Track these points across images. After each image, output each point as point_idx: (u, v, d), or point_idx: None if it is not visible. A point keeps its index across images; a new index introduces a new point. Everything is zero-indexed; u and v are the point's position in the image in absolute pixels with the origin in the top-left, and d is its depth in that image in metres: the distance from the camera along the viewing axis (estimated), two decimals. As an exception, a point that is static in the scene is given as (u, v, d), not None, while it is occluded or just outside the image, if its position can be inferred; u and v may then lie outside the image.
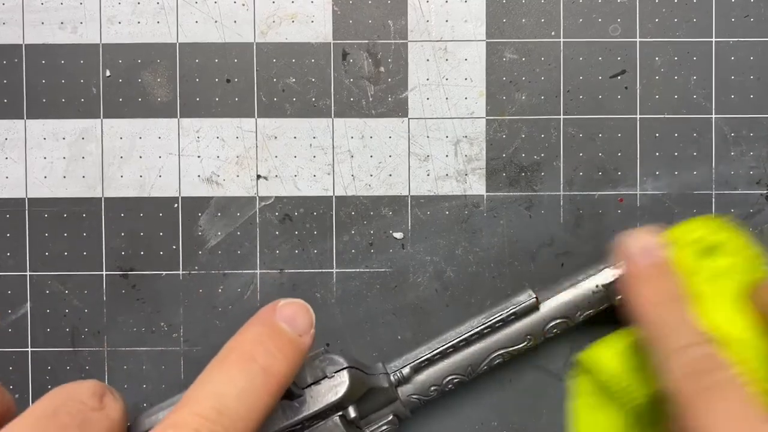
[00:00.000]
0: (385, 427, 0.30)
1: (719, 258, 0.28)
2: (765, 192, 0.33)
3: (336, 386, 0.27)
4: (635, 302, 0.27)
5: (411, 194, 0.33)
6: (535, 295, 0.30)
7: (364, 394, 0.29)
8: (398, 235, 0.33)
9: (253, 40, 0.33)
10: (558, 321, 0.30)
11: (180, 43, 0.33)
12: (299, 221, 0.33)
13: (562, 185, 0.33)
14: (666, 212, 0.33)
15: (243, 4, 0.33)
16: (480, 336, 0.30)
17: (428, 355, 0.30)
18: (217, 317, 0.33)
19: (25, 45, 0.33)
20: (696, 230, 0.29)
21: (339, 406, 0.27)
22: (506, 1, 0.33)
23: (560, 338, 0.33)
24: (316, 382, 0.27)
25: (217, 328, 0.33)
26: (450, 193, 0.33)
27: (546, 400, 0.33)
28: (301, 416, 0.26)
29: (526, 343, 0.30)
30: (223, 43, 0.33)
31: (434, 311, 0.33)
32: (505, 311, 0.30)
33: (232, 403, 0.22)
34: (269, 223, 0.33)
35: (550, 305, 0.30)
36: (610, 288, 0.30)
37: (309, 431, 0.27)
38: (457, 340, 0.30)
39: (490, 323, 0.30)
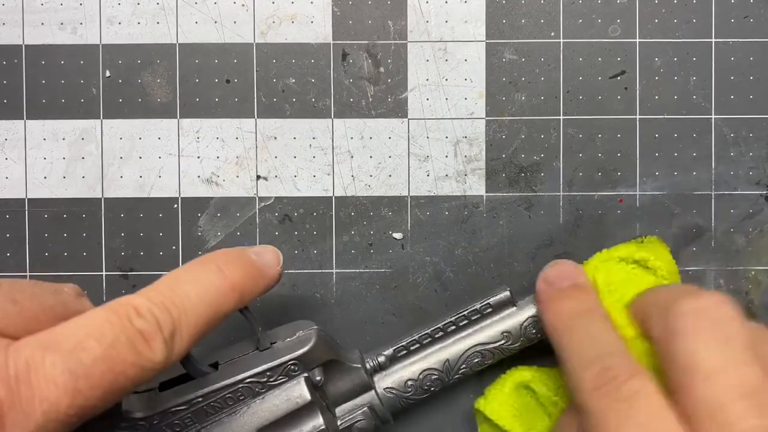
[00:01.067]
0: (360, 420, 0.29)
1: (638, 271, 0.29)
2: (764, 192, 0.33)
3: (302, 342, 0.28)
4: (552, 320, 0.28)
5: (411, 195, 0.33)
6: (508, 290, 0.30)
7: (337, 373, 0.29)
8: (398, 235, 0.33)
9: (252, 41, 0.33)
10: (535, 319, 0.30)
11: (180, 44, 0.33)
12: (299, 222, 0.33)
13: (561, 186, 0.33)
14: (665, 213, 0.33)
15: (243, 5, 0.33)
16: (456, 328, 0.30)
17: (403, 343, 0.30)
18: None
19: (25, 45, 0.33)
20: (617, 252, 0.30)
21: (305, 365, 0.28)
22: (506, 1, 0.33)
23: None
24: (285, 339, 0.29)
25: (216, 328, 0.33)
26: (450, 194, 0.33)
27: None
28: (266, 366, 0.27)
29: (504, 341, 0.30)
30: (223, 43, 0.33)
31: (434, 311, 0.33)
32: (480, 303, 0.30)
33: (186, 287, 0.24)
34: (269, 223, 0.33)
35: (528, 302, 0.30)
36: None
37: (275, 390, 0.28)
38: (433, 328, 0.30)
39: (464, 313, 0.30)
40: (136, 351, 0.22)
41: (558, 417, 0.29)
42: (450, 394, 0.33)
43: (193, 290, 0.24)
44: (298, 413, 0.28)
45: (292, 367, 0.28)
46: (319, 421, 0.28)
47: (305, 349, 0.28)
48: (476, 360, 0.30)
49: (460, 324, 0.30)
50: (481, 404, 0.31)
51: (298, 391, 0.28)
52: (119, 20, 0.33)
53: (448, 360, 0.30)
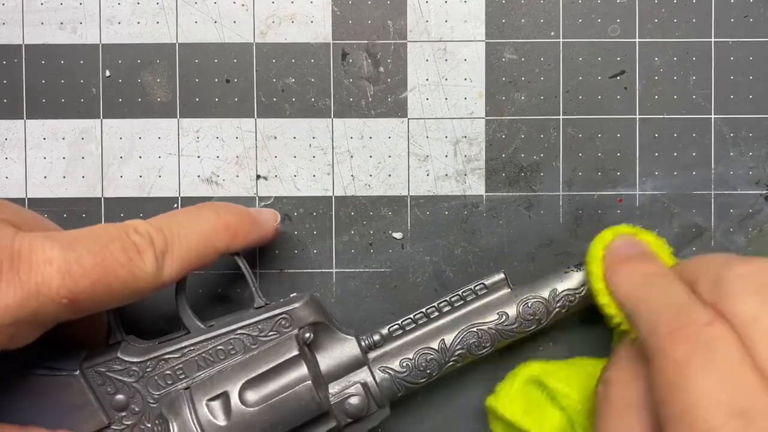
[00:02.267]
0: (352, 395, 0.29)
1: None
2: (764, 192, 0.33)
3: (293, 301, 0.29)
4: (624, 280, 0.27)
5: (410, 194, 0.33)
6: (503, 272, 0.30)
7: (329, 342, 0.29)
8: (398, 235, 0.33)
9: (252, 41, 0.33)
10: (532, 300, 0.30)
11: (180, 44, 0.33)
12: (299, 221, 0.33)
13: (561, 185, 0.33)
14: (665, 212, 0.33)
15: (242, 5, 0.33)
16: (452, 308, 0.30)
17: (399, 322, 0.30)
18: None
19: (25, 45, 0.33)
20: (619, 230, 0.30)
21: (296, 323, 0.29)
22: (506, 1, 0.33)
23: (560, 338, 0.33)
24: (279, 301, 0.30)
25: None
26: (449, 193, 0.33)
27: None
28: (257, 317, 0.29)
29: (499, 320, 0.30)
30: (223, 43, 0.33)
31: (434, 311, 0.33)
32: (475, 283, 0.30)
33: (181, 218, 0.27)
34: (269, 223, 0.33)
35: (524, 285, 0.30)
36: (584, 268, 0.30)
37: (266, 345, 0.28)
38: (428, 307, 0.30)
39: (460, 293, 0.30)
40: (127, 256, 0.25)
41: (573, 409, 0.29)
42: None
43: (187, 220, 0.27)
44: (285, 366, 0.28)
45: (283, 321, 0.29)
46: (303, 372, 0.27)
47: (296, 305, 0.29)
48: (472, 341, 0.30)
49: (456, 304, 0.30)
50: (492, 401, 0.31)
51: (287, 345, 0.28)
52: (119, 20, 0.33)
53: (443, 339, 0.30)
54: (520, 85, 0.33)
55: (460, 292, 0.30)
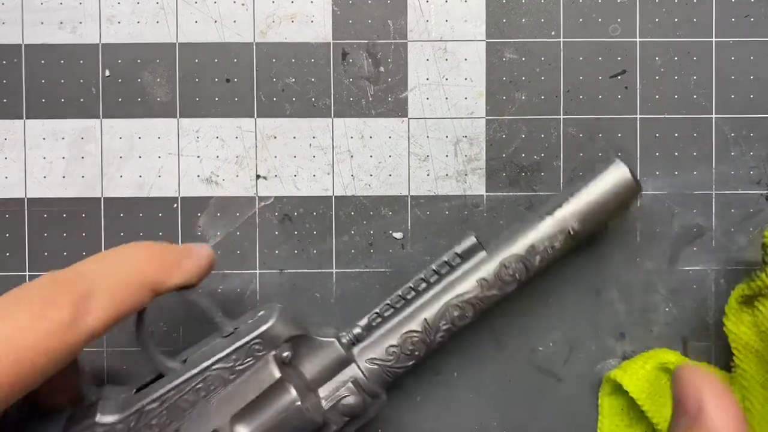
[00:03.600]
0: (345, 395, 0.28)
1: None
2: (765, 192, 0.33)
3: (263, 320, 0.28)
4: None
5: (411, 194, 0.33)
6: (474, 235, 0.29)
7: (309, 350, 0.28)
8: (398, 235, 0.33)
9: (252, 40, 0.33)
10: (510, 260, 0.29)
11: (180, 43, 0.33)
12: (299, 221, 0.33)
13: (562, 185, 0.33)
14: (666, 212, 0.33)
15: (242, 4, 0.33)
16: (428, 284, 0.29)
17: (377, 310, 0.29)
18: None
19: (25, 45, 0.33)
20: None
21: (270, 344, 0.27)
22: (506, 1, 0.33)
23: (560, 338, 0.33)
24: (248, 323, 0.28)
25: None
26: (450, 193, 0.33)
27: (546, 400, 0.33)
28: (229, 349, 0.27)
29: (481, 289, 0.29)
30: (223, 43, 0.33)
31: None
32: (447, 254, 0.29)
33: (106, 258, 0.25)
34: (269, 223, 0.33)
35: (498, 245, 0.29)
36: (562, 218, 0.29)
37: (245, 374, 0.27)
38: (404, 288, 0.29)
39: (433, 267, 0.29)
40: (39, 313, 0.22)
41: None
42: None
43: (111, 258, 0.25)
44: (270, 392, 0.27)
45: (256, 347, 0.27)
46: (291, 395, 0.27)
47: (266, 326, 0.27)
48: (456, 314, 0.29)
49: (431, 280, 0.29)
50: (618, 375, 0.30)
51: (267, 370, 0.27)
52: (119, 19, 0.33)
53: (426, 319, 0.29)
54: (520, 85, 0.33)
55: (434, 267, 0.29)
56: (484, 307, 0.29)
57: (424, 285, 0.29)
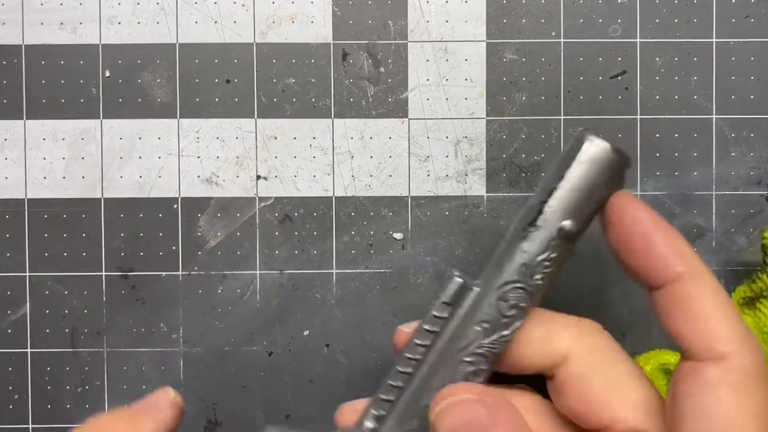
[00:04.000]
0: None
1: None
2: (765, 193, 0.33)
3: None
4: None
5: (411, 195, 0.33)
6: (456, 274, 0.25)
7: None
8: (398, 235, 0.33)
9: (252, 41, 0.33)
10: (507, 290, 0.24)
11: (180, 44, 0.33)
12: (299, 222, 0.33)
13: (562, 186, 0.33)
14: (666, 213, 0.33)
15: (243, 5, 0.33)
16: (425, 347, 0.24)
17: (381, 395, 0.24)
18: (217, 318, 0.33)
19: (25, 45, 0.33)
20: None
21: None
22: (506, 1, 0.33)
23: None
24: None
25: (216, 329, 0.33)
26: (450, 194, 0.33)
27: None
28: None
29: (485, 334, 0.24)
30: (223, 43, 0.33)
31: (434, 312, 0.33)
32: (435, 306, 0.25)
33: None
34: (269, 223, 0.33)
35: (489, 277, 0.24)
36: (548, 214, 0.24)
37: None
38: (403, 360, 0.24)
39: (426, 328, 0.24)
40: None
41: None
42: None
43: None
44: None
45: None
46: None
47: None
48: (470, 370, 0.24)
49: (426, 343, 0.24)
50: None
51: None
52: (119, 20, 0.33)
53: (439, 387, 0.24)
54: (521, 86, 0.33)
55: (426, 327, 0.24)
56: (498, 351, 0.24)
57: (421, 349, 0.24)
